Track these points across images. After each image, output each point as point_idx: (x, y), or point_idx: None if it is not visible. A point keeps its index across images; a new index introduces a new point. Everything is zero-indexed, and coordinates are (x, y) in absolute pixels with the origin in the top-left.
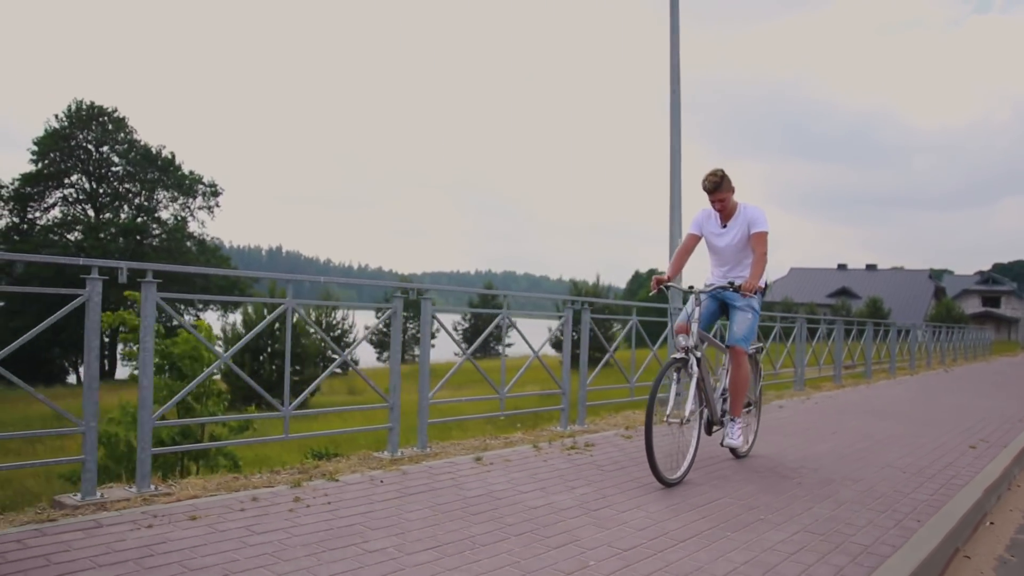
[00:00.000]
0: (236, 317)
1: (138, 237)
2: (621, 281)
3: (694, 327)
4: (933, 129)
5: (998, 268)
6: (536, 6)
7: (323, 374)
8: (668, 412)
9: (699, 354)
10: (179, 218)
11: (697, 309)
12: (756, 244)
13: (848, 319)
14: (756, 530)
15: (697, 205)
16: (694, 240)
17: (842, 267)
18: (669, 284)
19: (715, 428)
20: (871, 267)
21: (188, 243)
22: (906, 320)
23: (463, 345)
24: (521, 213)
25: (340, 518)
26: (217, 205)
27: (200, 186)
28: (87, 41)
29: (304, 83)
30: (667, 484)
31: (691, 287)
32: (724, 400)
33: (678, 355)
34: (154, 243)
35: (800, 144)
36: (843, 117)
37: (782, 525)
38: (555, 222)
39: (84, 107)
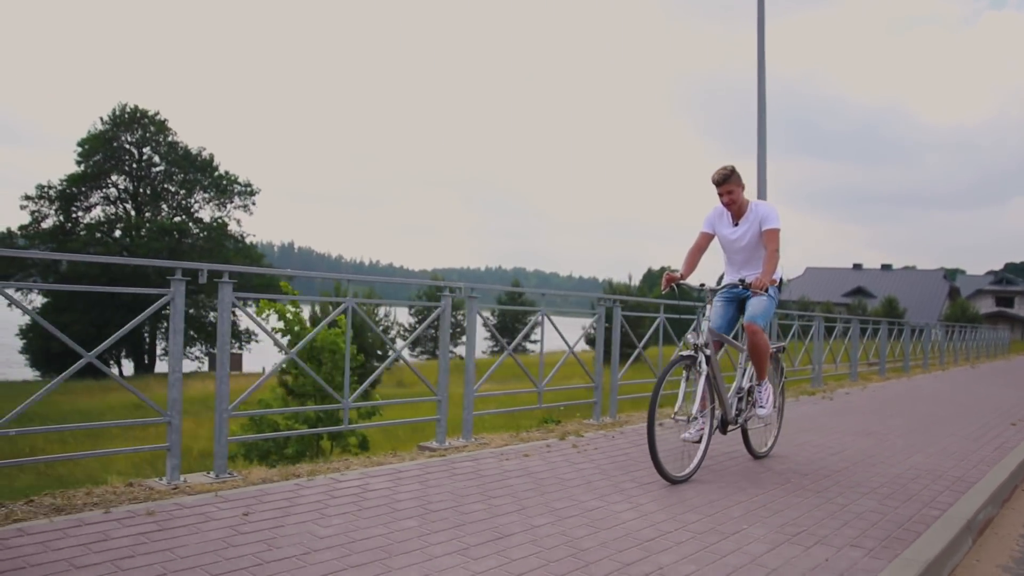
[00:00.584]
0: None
1: (177, 236)
2: (629, 278)
3: (704, 324)
4: (945, 127)
5: (1010, 268)
6: (543, 4)
7: (379, 368)
8: (676, 409)
9: (708, 352)
10: (218, 218)
11: (708, 307)
12: (768, 241)
13: (864, 318)
14: (737, 529)
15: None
16: (706, 238)
17: (857, 267)
18: (680, 283)
19: (730, 427)
20: (886, 267)
21: (227, 243)
22: (921, 319)
23: (504, 341)
24: (528, 210)
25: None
26: (253, 204)
27: (236, 186)
28: (94, 37)
29: (315, 82)
30: (672, 481)
31: (702, 285)
32: (740, 399)
33: (686, 352)
34: (194, 242)
35: (810, 141)
36: (853, 114)
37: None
38: (562, 219)
39: (127, 110)
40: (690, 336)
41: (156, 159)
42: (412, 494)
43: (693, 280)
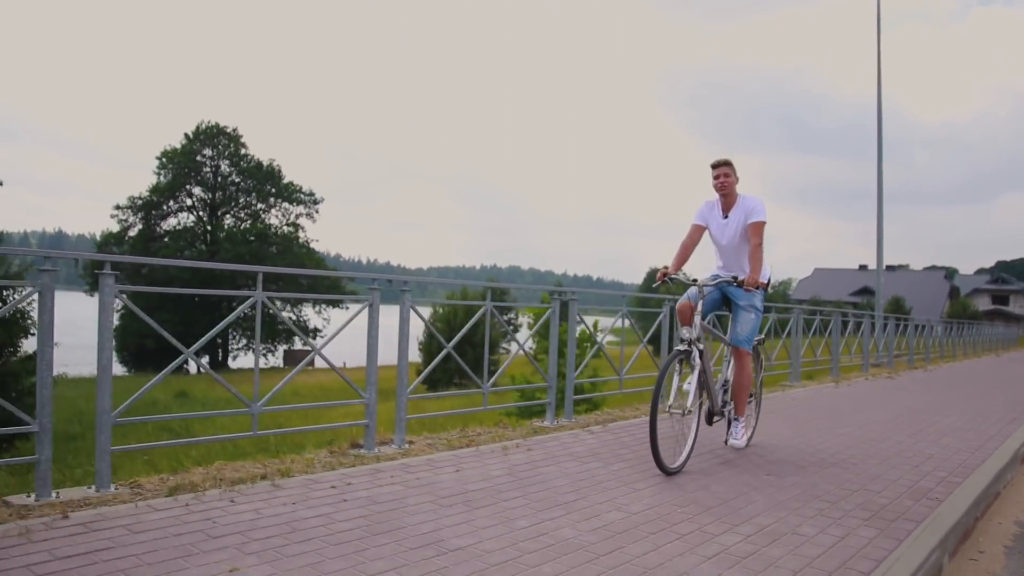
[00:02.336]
0: (331, 313)
1: (252, 241)
2: (624, 276)
3: (697, 319)
4: (934, 123)
5: (1001, 266)
6: (533, 1)
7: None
8: (670, 403)
9: (702, 346)
10: (290, 225)
11: (701, 301)
12: (752, 234)
13: (877, 314)
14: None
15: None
16: (699, 231)
17: (863, 267)
18: (673, 277)
19: (715, 418)
20: (891, 267)
21: (297, 249)
22: (924, 317)
23: (441, 338)
24: (516, 206)
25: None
26: (316, 211)
27: (301, 195)
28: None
29: (302, 77)
30: (668, 473)
31: (694, 280)
32: (725, 391)
33: (681, 347)
34: (271, 249)
35: (798, 138)
36: (842, 110)
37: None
38: (550, 215)
39: (207, 127)
40: (684, 331)
41: (228, 169)
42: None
43: (683, 275)
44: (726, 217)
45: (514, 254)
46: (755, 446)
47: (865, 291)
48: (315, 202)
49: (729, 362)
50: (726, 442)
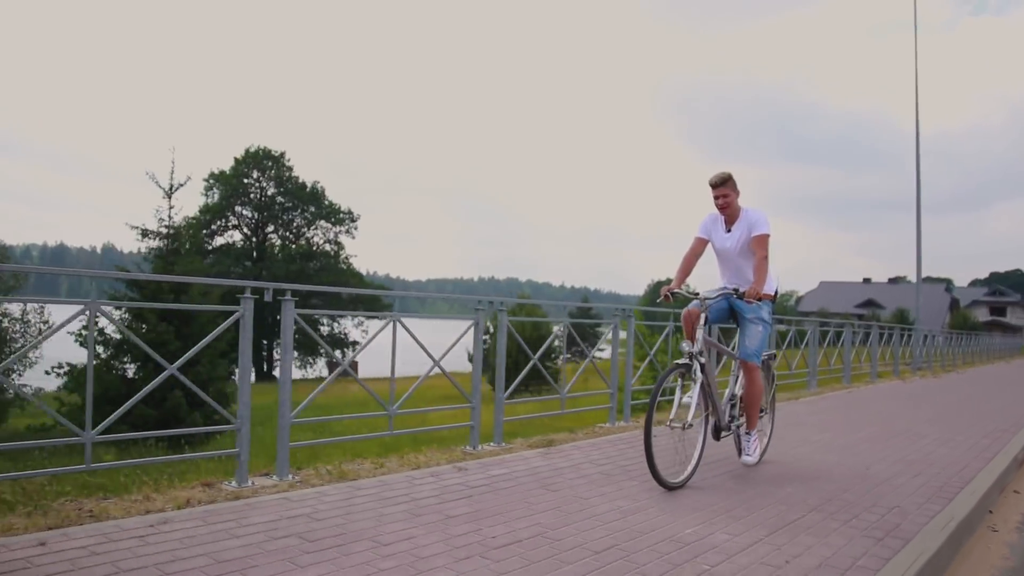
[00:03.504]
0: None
1: (297, 259)
2: (622, 288)
3: (700, 333)
4: (928, 133)
5: (995, 277)
6: (525, 9)
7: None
8: (671, 417)
9: (703, 360)
10: (333, 242)
11: (704, 315)
12: (757, 247)
13: (890, 325)
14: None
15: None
16: (701, 244)
17: (867, 280)
18: (676, 292)
19: (723, 434)
20: (893, 280)
21: (340, 266)
22: (928, 328)
23: (335, 356)
24: (510, 218)
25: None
26: (356, 228)
27: (342, 214)
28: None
29: (294, 86)
30: (668, 487)
31: (696, 293)
32: (733, 406)
33: (681, 360)
34: (315, 266)
35: (792, 148)
36: (834, 121)
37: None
38: (545, 227)
39: (256, 150)
40: (684, 345)
41: (274, 191)
42: None
43: (686, 288)
44: (729, 231)
45: (509, 266)
46: (770, 462)
47: (870, 304)
48: (353, 220)
49: (737, 377)
50: (740, 457)
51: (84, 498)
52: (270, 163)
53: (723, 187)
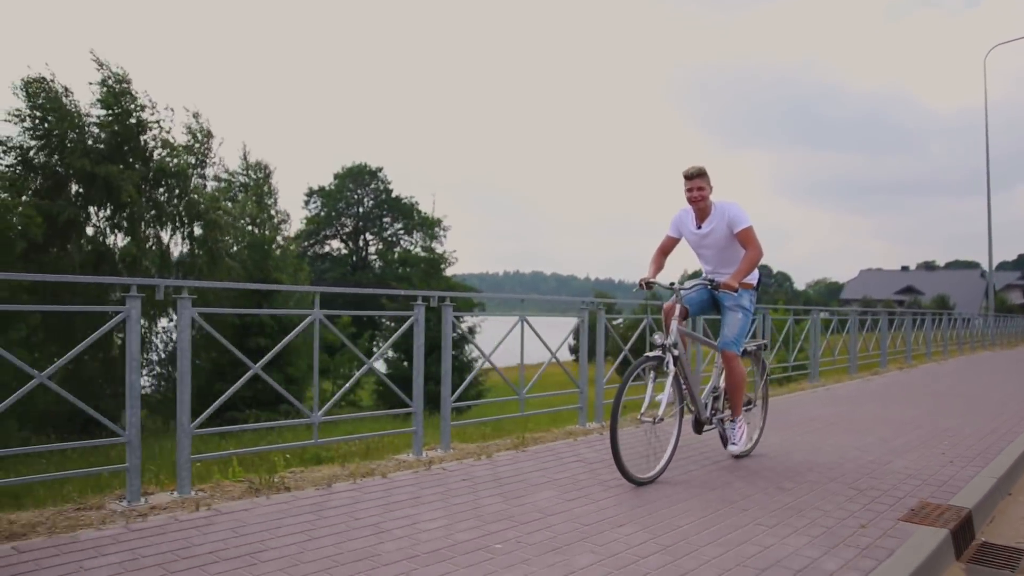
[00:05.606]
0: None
1: (399, 266)
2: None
3: (674, 324)
4: (950, 111)
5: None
6: (538, 4)
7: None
8: (642, 411)
9: (676, 352)
10: (427, 250)
11: (679, 306)
12: (746, 242)
13: (937, 311)
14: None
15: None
16: (671, 242)
17: (905, 268)
18: (652, 282)
19: (706, 428)
20: (929, 267)
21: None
22: (969, 312)
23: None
24: (527, 210)
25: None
26: (445, 237)
27: (433, 224)
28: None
29: (306, 83)
30: (637, 483)
31: (672, 284)
32: (716, 399)
33: (652, 353)
34: (410, 270)
35: (810, 131)
36: (855, 102)
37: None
38: (563, 219)
39: (355, 166)
40: (657, 336)
41: (370, 202)
42: None
43: (663, 279)
44: (699, 227)
45: (530, 259)
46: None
47: (909, 290)
48: (444, 229)
49: (721, 369)
50: (726, 447)
51: None
52: (368, 178)
53: (698, 179)
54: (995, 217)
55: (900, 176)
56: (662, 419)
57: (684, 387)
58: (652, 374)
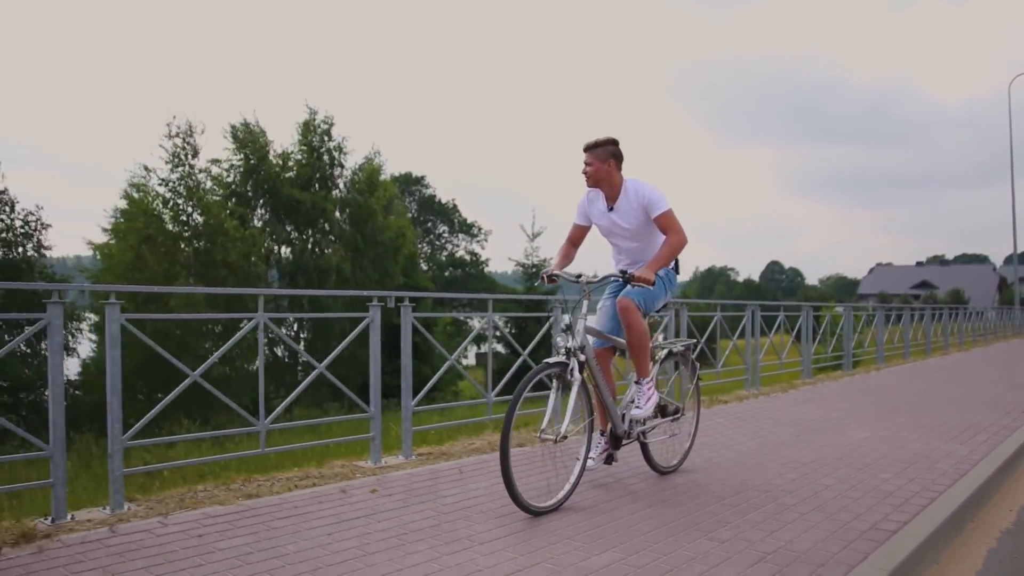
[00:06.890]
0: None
1: (453, 270)
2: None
3: (579, 324)
4: (956, 102)
5: None
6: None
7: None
8: (542, 427)
9: (583, 357)
10: (471, 254)
11: (585, 302)
12: (666, 227)
13: (956, 305)
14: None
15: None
16: (580, 231)
17: (920, 263)
18: (556, 274)
19: (624, 442)
20: (944, 262)
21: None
22: (983, 306)
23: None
24: (528, 208)
25: None
26: (485, 239)
27: (474, 228)
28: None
29: (308, 80)
30: (535, 513)
31: (579, 276)
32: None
33: (553, 360)
34: (457, 274)
35: (814, 125)
36: (859, 94)
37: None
38: (565, 216)
39: (400, 175)
40: (560, 339)
41: (415, 207)
42: None
43: (572, 270)
44: (611, 208)
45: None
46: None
47: (924, 285)
48: (481, 230)
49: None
50: (642, 433)
51: None
52: (412, 185)
53: (591, 152)
54: (1003, 210)
55: (906, 169)
56: (565, 437)
57: (594, 397)
58: (555, 383)
